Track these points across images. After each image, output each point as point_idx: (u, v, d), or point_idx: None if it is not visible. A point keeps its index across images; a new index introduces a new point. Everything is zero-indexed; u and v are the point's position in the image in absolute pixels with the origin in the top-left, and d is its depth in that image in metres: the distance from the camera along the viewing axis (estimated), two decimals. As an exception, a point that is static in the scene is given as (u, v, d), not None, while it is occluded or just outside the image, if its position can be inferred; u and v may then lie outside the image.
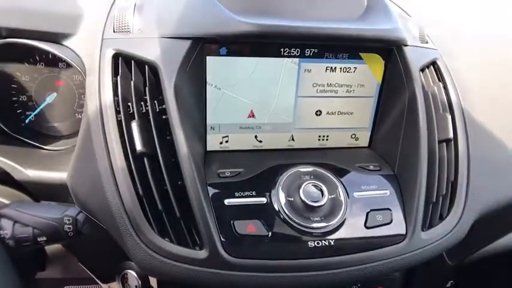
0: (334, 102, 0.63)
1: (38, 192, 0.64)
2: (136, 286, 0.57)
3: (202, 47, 0.55)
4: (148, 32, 0.58)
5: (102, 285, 0.68)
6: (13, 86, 0.70)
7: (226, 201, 0.53)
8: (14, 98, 0.71)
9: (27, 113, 0.72)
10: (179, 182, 0.52)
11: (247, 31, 0.53)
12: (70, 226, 0.43)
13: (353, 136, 0.67)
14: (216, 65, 0.57)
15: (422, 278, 0.81)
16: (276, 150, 0.64)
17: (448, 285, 0.97)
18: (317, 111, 0.63)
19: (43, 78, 0.71)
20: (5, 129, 0.68)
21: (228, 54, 0.57)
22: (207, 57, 0.56)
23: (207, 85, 0.58)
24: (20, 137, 0.69)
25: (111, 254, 0.60)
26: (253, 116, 0.62)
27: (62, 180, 0.60)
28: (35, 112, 0.72)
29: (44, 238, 0.43)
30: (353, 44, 0.59)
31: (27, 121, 0.72)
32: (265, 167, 0.59)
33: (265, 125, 0.63)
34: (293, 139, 0.65)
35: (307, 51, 0.58)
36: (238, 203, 0.53)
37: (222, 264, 0.49)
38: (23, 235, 0.43)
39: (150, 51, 0.56)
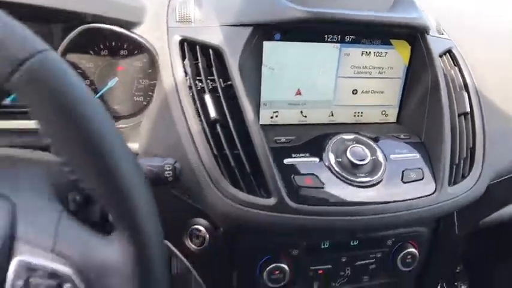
0: (368, 82, 0.73)
1: None
2: (204, 239, 0.65)
3: (261, 32, 0.65)
4: (209, 22, 0.67)
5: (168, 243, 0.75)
6: (78, 71, 0.79)
7: (285, 161, 0.62)
8: (79, 83, 0.79)
9: (91, 96, 0.80)
10: (247, 144, 0.61)
11: (300, 17, 0.62)
12: (170, 172, 0.52)
13: (383, 112, 0.77)
14: (270, 49, 0.67)
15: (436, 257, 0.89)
16: (318, 124, 0.74)
17: (458, 270, 1.06)
18: (353, 90, 0.73)
19: (105, 65, 0.79)
20: None
21: (281, 39, 0.67)
22: (264, 42, 0.66)
23: (263, 66, 0.68)
24: None
25: (180, 213, 0.68)
26: (300, 93, 0.71)
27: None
28: (98, 95, 0.80)
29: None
30: (386, 30, 0.69)
31: (90, 103, 0.80)
32: (312, 136, 0.68)
33: (309, 102, 0.72)
34: (332, 115, 0.74)
35: (347, 37, 0.69)
36: (295, 162, 0.63)
37: (288, 210, 0.58)
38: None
39: (213, 37, 0.65)
